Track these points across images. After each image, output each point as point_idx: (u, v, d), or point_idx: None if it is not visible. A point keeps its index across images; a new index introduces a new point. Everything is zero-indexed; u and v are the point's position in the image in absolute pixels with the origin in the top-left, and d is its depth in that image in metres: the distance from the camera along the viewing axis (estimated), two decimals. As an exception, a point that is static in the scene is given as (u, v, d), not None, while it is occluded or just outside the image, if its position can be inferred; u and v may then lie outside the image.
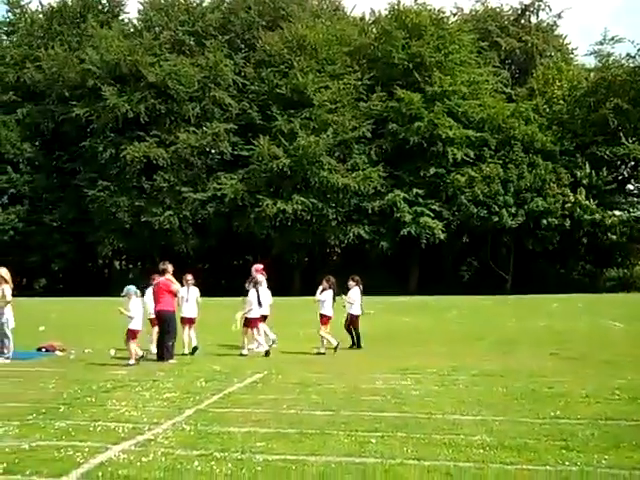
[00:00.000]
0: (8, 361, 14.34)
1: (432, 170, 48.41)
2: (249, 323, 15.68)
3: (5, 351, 14.53)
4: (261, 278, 16.56)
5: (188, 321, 15.75)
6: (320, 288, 16.40)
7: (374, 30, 56.29)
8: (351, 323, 16.85)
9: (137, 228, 50.70)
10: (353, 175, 48.43)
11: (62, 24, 59.21)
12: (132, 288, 14.45)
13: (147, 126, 50.96)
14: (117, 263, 62.62)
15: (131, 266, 61.87)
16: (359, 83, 50.68)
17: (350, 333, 16.87)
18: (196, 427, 8.17)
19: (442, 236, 48.03)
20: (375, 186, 48.36)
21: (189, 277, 16.09)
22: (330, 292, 16.25)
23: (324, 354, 15.68)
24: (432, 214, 48.26)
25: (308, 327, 21.40)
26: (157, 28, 55.82)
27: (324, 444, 7.40)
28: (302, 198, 47.64)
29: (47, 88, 54.40)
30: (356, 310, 16.82)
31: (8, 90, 56.01)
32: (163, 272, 15.03)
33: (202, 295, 16.40)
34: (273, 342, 16.64)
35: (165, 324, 14.68)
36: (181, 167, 50.09)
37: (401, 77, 50.82)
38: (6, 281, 14.78)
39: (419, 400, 9.87)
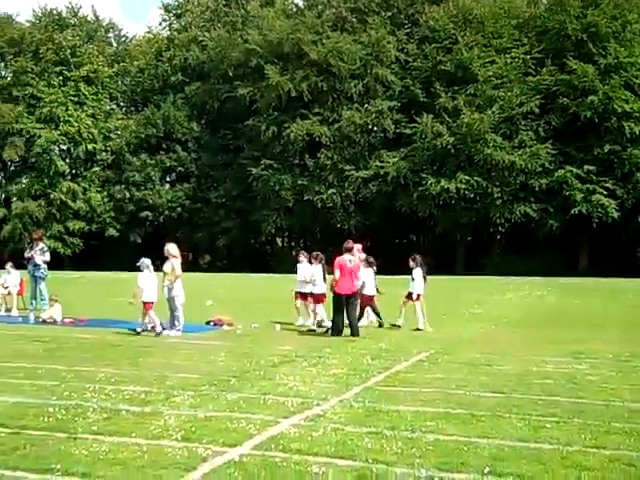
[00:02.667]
0: (179, 334, 14.83)
1: (606, 147, 46.10)
2: (315, 298, 16.18)
3: (176, 323, 15.05)
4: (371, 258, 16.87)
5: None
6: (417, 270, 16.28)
7: (545, 0, 54.05)
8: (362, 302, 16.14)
9: (299, 206, 51.50)
10: (519, 152, 47.00)
11: (227, 5, 60.89)
12: (145, 262, 15.04)
13: (310, 104, 51.48)
14: (279, 240, 63.98)
15: (293, 243, 63.06)
16: (527, 57, 48.90)
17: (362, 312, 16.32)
18: (364, 404, 8.10)
19: (616, 215, 45.77)
20: (543, 163, 46.73)
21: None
22: (419, 270, 16.26)
23: (422, 329, 15.80)
24: (605, 192, 46.04)
25: (473, 306, 21.07)
26: (320, 6, 56.22)
27: (496, 427, 7.17)
28: (466, 176, 46.75)
29: (212, 68, 56.14)
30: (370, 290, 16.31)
31: (177, 71, 58.40)
32: (349, 250, 15.34)
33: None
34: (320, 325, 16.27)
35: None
36: (344, 145, 50.35)
37: (573, 49, 48.51)
38: (175, 256, 15.31)
39: (595, 386, 9.40)
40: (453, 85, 48.84)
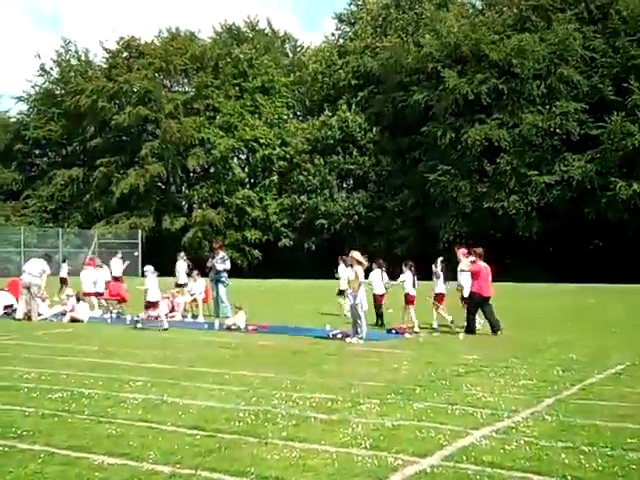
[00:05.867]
0: (361, 342, 14.83)
1: None
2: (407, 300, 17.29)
3: (359, 331, 15.09)
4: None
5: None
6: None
7: None
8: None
9: (478, 213, 50.52)
10: None
11: (398, 10, 60.89)
12: (149, 268, 18.34)
13: (488, 107, 50.42)
14: (457, 247, 62.97)
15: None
16: None
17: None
18: (558, 418, 7.75)
19: None
20: None
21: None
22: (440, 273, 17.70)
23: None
24: None
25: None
26: (497, 6, 54.97)
27: None
28: (661, 178, 43.91)
29: (386, 75, 56.04)
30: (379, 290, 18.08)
31: (351, 79, 59.06)
32: (481, 256, 16.56)
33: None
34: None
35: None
36: (524, 149, 48.86)
37: None
38: (359, 263, 15.38)
39: None
40: (647, 80, 45.95)
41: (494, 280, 16.59)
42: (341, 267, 20.82)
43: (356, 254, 15.46)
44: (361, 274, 15.21)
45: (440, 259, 18.16)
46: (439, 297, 17.66)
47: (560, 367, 11.18)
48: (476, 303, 16.24)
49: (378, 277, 18.08)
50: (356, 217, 56.23)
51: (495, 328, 15.93)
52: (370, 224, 56.02)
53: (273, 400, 8.67)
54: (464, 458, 6.18)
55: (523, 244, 49.21)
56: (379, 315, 18.13)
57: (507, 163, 48.61)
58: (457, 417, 7.78)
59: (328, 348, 13.96)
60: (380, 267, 18.12)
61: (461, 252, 17.51)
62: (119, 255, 26.02)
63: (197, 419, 7.64)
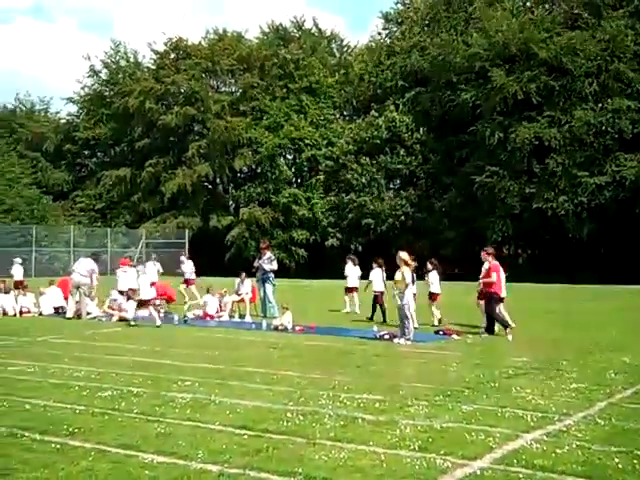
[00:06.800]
0: (409, 342, 14.74)
1: None
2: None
3: (406, 332, 14.99)
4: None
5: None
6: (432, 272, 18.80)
7: None
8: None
9: (527, 214, 49.85)
10: None
11: (447, 10, 60.25)
12: (141, 268, 20.17)
13: (538, 106, 49.68)
14: (505, 248, 62.19)
15: (519, 251, 61.21)
16: None
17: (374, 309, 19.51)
18: (611, 422, 7.60)
19: None
20: None
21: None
22: (435, 272, 18.72)
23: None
24: None
25: None
26: (547, 5, 54.21)
27: None
28: None
29: (433, 74, 55.52)
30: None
31: (398, 78, 58.50)
32: (493, 255, 17.06)
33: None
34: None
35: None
36: (575, 148, 48.06)
37: None
38: (406, 264, 15.30)
39: None
40: None
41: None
42: (348, 266, 22.81)
43: (403, 254, 15.40)
44: (408, 275, 15.12)
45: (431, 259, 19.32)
46: (433, 296, 18.56)
47: (612, 370, 10.97)
48: (496, 302, 16.35)
49: (378, 276, 19.35)
50: (403, 218, 55.83)
51: (505, 325, 16.09)
52: (417, 224, 55.61)
53: (321, 400, 8.66)
54: (515, 461, 6.10)
55: (573, 245, 48.44)
56: (383, 311, 19.21)
57: (557, 164, 47.79)
58: (507, 420, 7.67)
59: (375, 349, 13.89)
60: (380, 266, 19.27)
61: (484, 253, 17.44)
62: (187, 256, 26.78)
63: (245, 419, 7.66)
